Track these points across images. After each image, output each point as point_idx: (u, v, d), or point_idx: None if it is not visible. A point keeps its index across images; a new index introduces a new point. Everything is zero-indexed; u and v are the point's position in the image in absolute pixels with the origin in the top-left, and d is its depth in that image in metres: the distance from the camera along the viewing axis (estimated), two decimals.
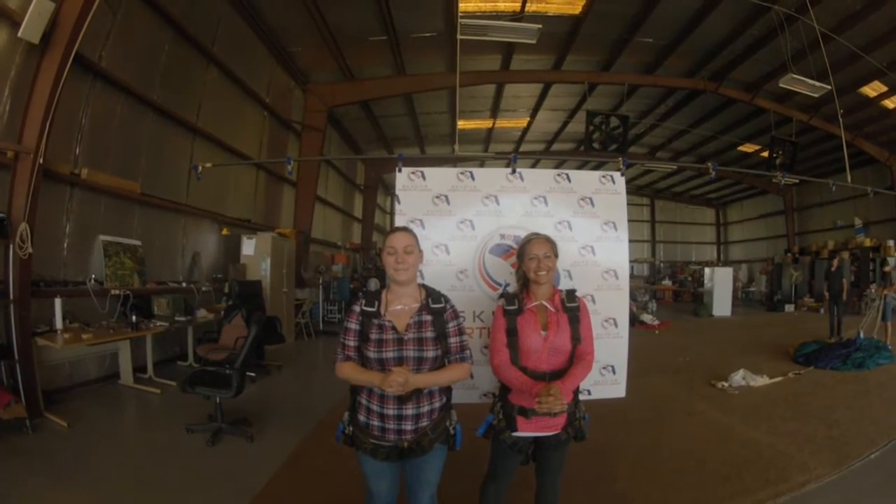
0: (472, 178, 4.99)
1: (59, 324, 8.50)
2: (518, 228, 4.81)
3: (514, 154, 5.23)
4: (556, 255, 3.82)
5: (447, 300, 3.54)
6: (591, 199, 5.01)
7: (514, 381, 3.60)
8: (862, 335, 13.01)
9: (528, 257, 3.74)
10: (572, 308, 3.73)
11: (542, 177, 5.09)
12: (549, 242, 3.80)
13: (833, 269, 17.82)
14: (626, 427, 7.54)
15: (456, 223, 4.90)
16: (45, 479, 5.81)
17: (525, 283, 3.86)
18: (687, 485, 5.91)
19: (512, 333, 3.65)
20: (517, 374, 3.60)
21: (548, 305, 3.73)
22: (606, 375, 4.76)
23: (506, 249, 4.85)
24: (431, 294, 3.52)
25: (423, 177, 4.96)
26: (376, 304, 3.43)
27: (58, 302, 8.51)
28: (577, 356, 3.73)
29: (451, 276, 4.81)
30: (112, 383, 9.93)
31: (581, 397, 3.90)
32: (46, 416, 7.67)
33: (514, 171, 5.00)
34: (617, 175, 5.15)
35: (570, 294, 3.81)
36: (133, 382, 9.93)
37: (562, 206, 4.99)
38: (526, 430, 3.67)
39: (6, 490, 5.48)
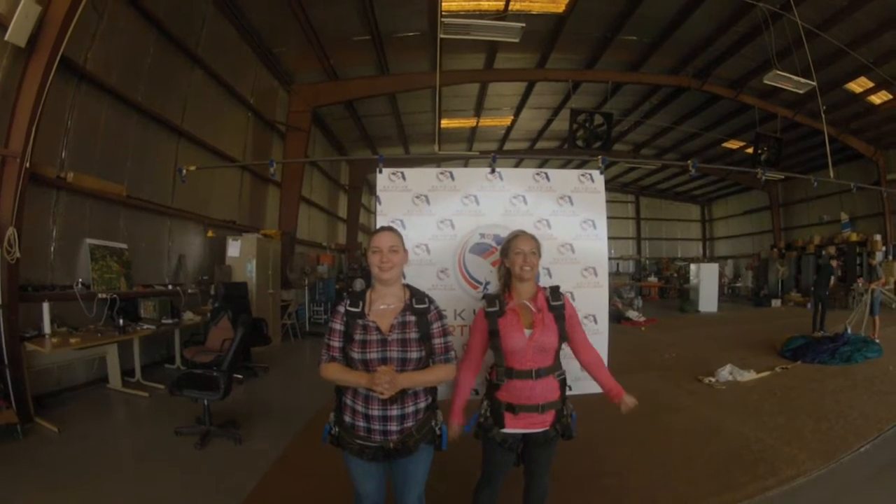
0: (452, 177, 5.02)
1: (47, 328, 8.50)
2: (498, 227, 4.86)
3: (494, 154, 5.24)
4: (540, 255, 3.84)
5: (431, 300, 3.55)
6: (570, 197, 5.04)
7: (456, 391, 3.82)
8: (849, 329, 13.08)
9: (515, 252, 3.74)
10: (558, 306, 3.75)
11: (522, 176, 5.13)
12: (535, 241, 3.81)
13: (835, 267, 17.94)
14: (613, 423, 7.48)
15: (436, 223, 4.93)
16: (37, 484, 5.83)
17: (507, 281, 3.87)
18: (675, 480, 5.95)
19: (494, 335, 3.67)
20: (462, 394, 3.81)
21: (530, 305, 3.74)
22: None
23: (486, 248, 4.87)
24: (415, 294, 3.53)
25: (404, 177, 4.99)
26: (360, 304, 3.43)
27: (46, 306, 8.51)
28: (588, 361, 3.95)
29: (432, 276, 4.84)
30: (101, 387, 9.93)
31: (568, 392, 3.92)
32: (37, 422, 7.66)
33: (493, 171, 5.03)
34: (596, 173, 5.18)
35: (555, 292, 3.83)
36: (121, 386, 9.93)
37: (541, 204, 5.02)
38: (514, 427, 3.68)
39: None
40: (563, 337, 3.72)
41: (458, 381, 3.80)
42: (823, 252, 28.20)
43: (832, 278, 17.50)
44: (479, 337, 3.78)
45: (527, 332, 3.64)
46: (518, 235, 3.84)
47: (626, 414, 3.72)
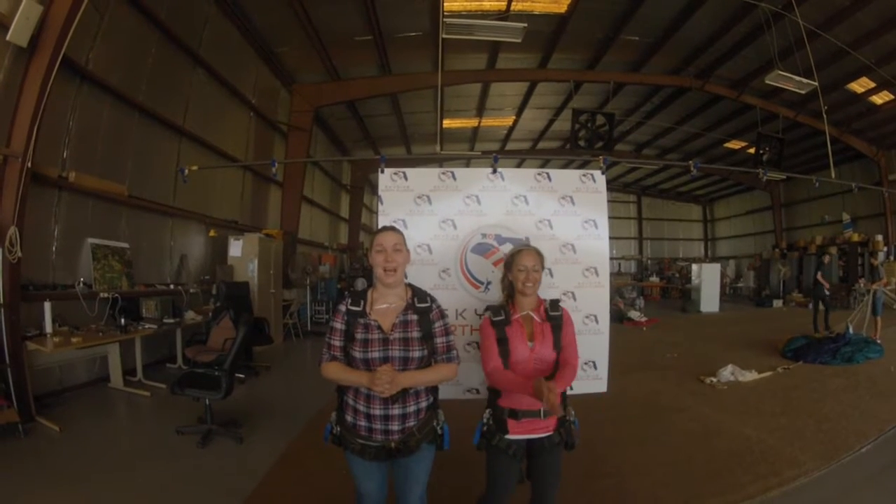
0: (454, 178, 5.04)
1: (48, 327, 8.50)
2: (499, 227, 4.89)
3: (496, 154, 5.25)
4: (543, 268, 3.85)
5: (433, 300, 3.55)
6: (571, 197, 5.06)
7: (509, 383, 3.61)
8: (851, 330, 13.07)
9: (518, 268, 3.75)
10: (555, 317, 3.77)
11: (523, 176, 5.15)
12: (539, 255, 3.82)
13: (825, 263, 17.88)
14: (614, 423, 7.56)
15: (438, 223, 4.95)
16: (38, 482, 5.83)
17: (511, 292, 3.88)
18: (677, 480, 5.94)
19: (502, 342, 3.65)
20: (510, 377, 3.61)
21: (534, 316, 3.76)
22: (588, 371, 4.81)
23: (487, 248, 4.89)
24: (417, 293, 3.53)
25: (405, 177, 5.01)
26: (362, 303, 3.43)
27: (47, 305, 8.52)
28: (561, 363, 3.77)
29: (434, 276, 4.86)
30: (102, 387, 9.94)
31: (569, 392, 3.91)
32: (38, 421, 7.67)
33: (494, 171, 5.05)
34: (597, 174, 5.20)
35: (554, 304, 3.84)
36: (123, 385, 9.94)
37: (542, 204, 5.04)
38: (517, 433, 3.67)
39: (0, 494, 5.50)
40: (558, 347, 3.72)
41: (498, 381, 3.66)
42: (825, 252, 28.28)
43: (819, 273, 17.47)
44: (492, 340, 3.71)
45: (530, 343, 3.66)
46: (521, 251, 3.85)
47: (548, 408, 3.63)
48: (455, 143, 28.43)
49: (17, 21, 7.50)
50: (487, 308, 3.91)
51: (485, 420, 3.81)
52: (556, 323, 3.74)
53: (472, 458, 3.97)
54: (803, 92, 15.60)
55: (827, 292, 17.17)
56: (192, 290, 13.17)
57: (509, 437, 3.68)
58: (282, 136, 19.99)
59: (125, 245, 11.17)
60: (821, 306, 16.95)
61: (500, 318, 3.72)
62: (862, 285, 20.13)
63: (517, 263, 3.77)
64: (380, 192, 4.97)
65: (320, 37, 16.50)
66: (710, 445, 7.06)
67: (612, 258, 34.62)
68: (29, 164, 7.85)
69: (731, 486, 5.71)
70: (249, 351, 11.91)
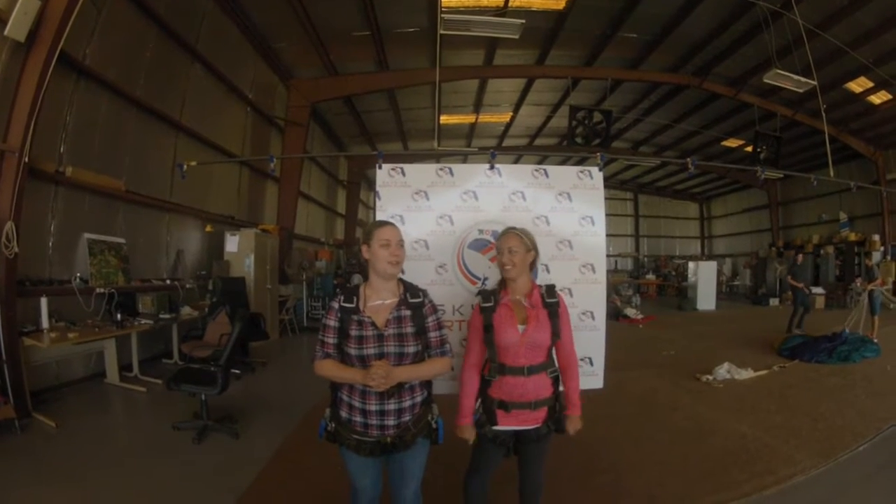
0: (451, 173, 5.03)
1: (45, 323, 8.50)
2: (496, 223, 4.85)
3: (493, 150, 5.24)
4: (533, 250, 3.82)
5: (425, 294, 3.56)
6: (568, 194, 5.06)
7: (463, 391, 3.78)
8: (848, 329, 13.06)
9: (499, 250, 3.79)
10: (552, 304, 3.74)
11: (521, 172, 5.15)
12: (518, 237, 3.78)
13: (797, 263, 17.84)
14: (610, 421, 7.55)
15: (435, 218, 4.94)
16: (34, 478, 5.83)
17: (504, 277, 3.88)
18: (672, 478, 5.94)
19: (488, 330, 3.66)
20: (468, 392, 3.76)
21: (523, 301, 3.74)
22: (584, 367, 4.78)
23: (484, 244, 4.89)
24: (409, 288, 3.54)
25: (403, 173, 5.00)
26: (355, 299, 3.43)
27: (44, 301, 8.51)
28: (564, 366, 3.85)
29: (431, 271, 4.86)
30: (98, 382, 9.93)
31: (561, 389, 3.90)
32: (35, 417, 7.66)
33: (492, 167, 5.05)
34: (595, 170, 5.19)
35: (550, 290, 3.81)
36: (119, 381, 9.93)
37: (540, 201, 5.04)
38: (506, 424, 3.68)
39: None
40: (557, 334, 3.71)
41: (463, 381, 3.79)
42: (822, 251, 28.30)
43: (790, 276, 17.50)
44: (477, 334, 3.76)
45: (520, 327, 3.64)
46: (503, 233, 3.87)
47: (574, 434, 3.82)
48: (452, 139, 28.33)
49: (15, 16, 7.48)
50: (479, 293, 3.92)
51: (475, 408, 3.81)
52: (552, 310, 3.73)
53: (467, 450, 3.95)
54: (801, 91, 15.55)
55: (808, 291, 17.18)
56: (188, 286, 13.17)
57: (497, 427, 3.71)
58: (278, 132, 19.98)
59: (122, 240, 11.14)
60: (808, 305, 16.89)
61: (488, 304, 3.72)
62: (858, 284, 20.16)
63: (498, 246, 3.81)
64: (377, 188, 4.96)
65: (318, 32, 16.49)
66: (705, 443, 7.06)
67: (608, 255, 34.65)
68: (26, 159, 7.83)
69: (727, 485, 5.71)
70: (245, 346, 11.90)
